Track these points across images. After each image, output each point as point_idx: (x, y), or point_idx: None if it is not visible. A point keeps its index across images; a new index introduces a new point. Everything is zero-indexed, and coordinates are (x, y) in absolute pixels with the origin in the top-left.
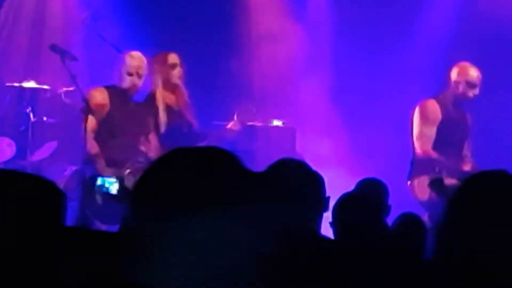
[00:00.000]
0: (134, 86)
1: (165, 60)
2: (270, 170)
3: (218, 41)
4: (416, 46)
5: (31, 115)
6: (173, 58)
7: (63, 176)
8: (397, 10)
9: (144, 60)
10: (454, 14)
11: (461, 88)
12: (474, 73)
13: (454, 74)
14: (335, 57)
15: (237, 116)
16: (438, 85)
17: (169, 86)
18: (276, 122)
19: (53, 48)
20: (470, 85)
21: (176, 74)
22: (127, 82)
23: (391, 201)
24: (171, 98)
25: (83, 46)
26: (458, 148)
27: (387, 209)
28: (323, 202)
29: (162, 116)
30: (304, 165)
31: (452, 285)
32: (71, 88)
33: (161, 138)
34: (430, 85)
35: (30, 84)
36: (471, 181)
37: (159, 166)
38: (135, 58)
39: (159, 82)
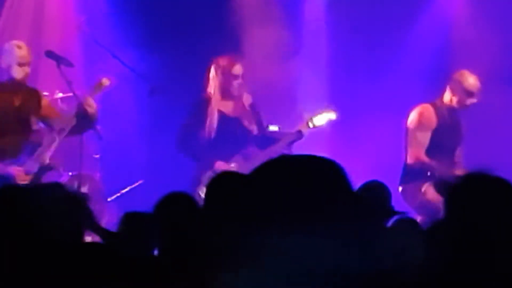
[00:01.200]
0: (26, 75)
1: (229, 69)
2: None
3: (213, 45)
4: (414, 50)
5: None
6: (237, 69)
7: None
8: (395, 14)
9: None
10: (451, 19)
11: (458, 96)
12: (473, 81)
13: (453, 81)
14: (332, 62)
15: (307, 119)
16: (435, 89)
17: (227, 94)
18: (272, 128)
19: (49, 54)
20: (468, 93)
21: (236, 85)
22: (19, 72)
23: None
24: (227, 105)
25: (80, 51)
26: (451, 155)
27: (390, 211)
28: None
29: (213, 122)
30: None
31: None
32: (68, 94)
33: (212, 143)
34: (427, 90)
35: None
36: (467, 180)
37: (261, 175)
38: (23, 48)
39: (217, 89)
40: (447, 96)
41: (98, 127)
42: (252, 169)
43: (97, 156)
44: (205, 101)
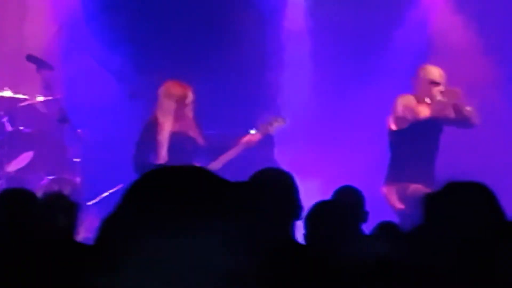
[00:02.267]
0: None
1: (183, 98)
2: (252, 179)
3: (193, 49)
4: (397, 53)
5: (8, 125)
6: (190, 97)
7: (40, 185)
8: (378, 18)
9: None
10: (434, 22)
11: (425, 88)
12: (436, 71)
13: (417, 76)
14: (315, 62)
15: (259, 126)
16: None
17: (178, 118)
18: (253, 131)
19: (29, 58)
20: (434, 83)
21: (188, 111)
22: None
23: (371, 207)
24: (175, 125)
25: (60, 55)
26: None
27: (363, 215)
28: (298, 211)
29: (164, 143)
30: (283, 173)
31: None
32: (48, 98)
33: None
34: (410, 92)
35: (7, 93)
36: (445, 190)
37: (137, 187)
38: None
39: (169, 116)
40: (417, 92)
41: (79, 131)
42: None
43: (78, 160)
44: (155, 122)
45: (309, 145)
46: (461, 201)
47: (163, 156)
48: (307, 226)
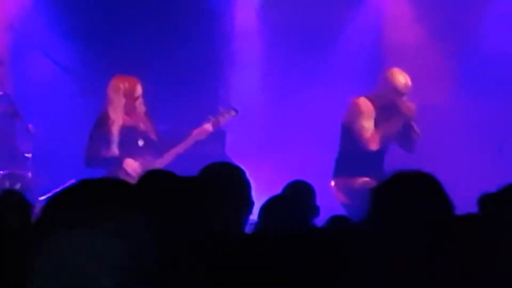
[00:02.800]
0: None
1: (131, 92)
2: (201, 174)
3: (144, 46)
4: (347, 50)
5: None
6: (139, 90)
7: None
8: (328, 14)
9: None
10: (384, 19)
11: (388, 93)
12: (402, 80)
13: (383, 79)
14: (266, 60)
15: (210, 118)
16: (369, 88)
17: (129, 112)
18: (207, 125)
19: None
20: (398, 93)
21: (138, 104)
22: None
23: (322, 202)
24: (126, 118)
25: (10, 50)
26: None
27: (314, 210)
28: (250, 206)
29: (117, 139)
30: (233, 168)
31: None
32: None
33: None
34: (361, 88)
35: None
36: (391, 181)
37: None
38: None
39: (119, 110)
40: (379, 93)
41: (30, 125)
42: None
43: (29, 155)
44: (106, 117)
45: (260, 140)
46: (407, 191)
47: (114, 150)
48: (258, 222)
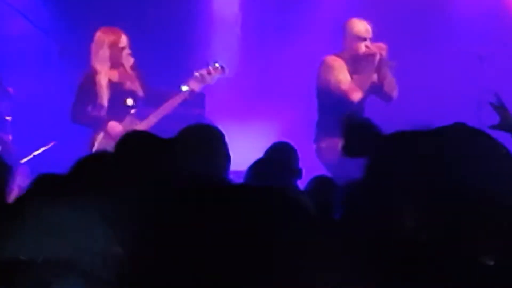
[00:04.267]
0: None
1: (117, 41)
2: (179, 135)
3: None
4: (325, 10)
5: None
6: (124, 40)
7: None
8: None
9: None
10: None
11: (353, 43)
12: (361, 25)
13: (345, 32)
14: (244, 22)
15: (198, 75)
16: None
17: (115, 65)
18: (185, 88)
19: None
20: (360, 38)
21: (126, 55)
22: None
23: (305, 164)
24: (112, 74)
25: None
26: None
27: (297, 172)
28: (228, 160)
29: (104, 93)
30: (210, 128)
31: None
32: None
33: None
34: (337, 48)
35: None
36: (389, 139)
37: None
38: None
39: (105, 63)
40: (345, 47)
41: (10, 88)
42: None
43: (9, 118)
44: (93, 73)
45: (239, 104)
46: (408, 151)
47: (100, 108)
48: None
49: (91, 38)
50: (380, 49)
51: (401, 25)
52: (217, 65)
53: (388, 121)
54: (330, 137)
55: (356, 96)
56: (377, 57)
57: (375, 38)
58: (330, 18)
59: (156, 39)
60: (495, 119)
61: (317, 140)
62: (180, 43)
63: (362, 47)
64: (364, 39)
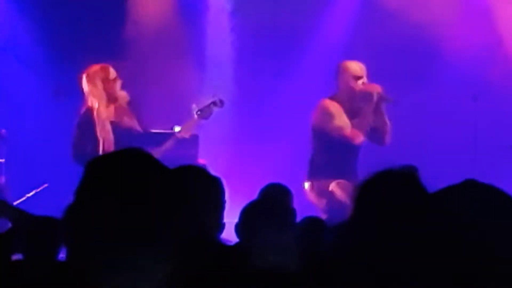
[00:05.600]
0: None
1: (107, 75)
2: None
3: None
4: (316, 51)
5: None
6: (113, 72)
7: None
8: (298, 17)
9: None
10: (352, 20)
11: (348, 84)
12: (355, 65)
13: (339, 74)
14: (237, 60)
15: (198, 111)
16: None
17: (110, 99)
18: (177, 128)
19: None
20: (355, 77)
21: (118, 87)
22: None
23: (296, 203)
24: (109, 111)
25: None
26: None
27: (292, 212)
28: (223, 207)
29: (108, 133)
30: (204, 171)
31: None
32: None
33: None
34: (331, 89)
35: None
36: (374, 180)
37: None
38: None
39: (101, 98)
40: (340, 88)
41: (3, 130)
42: None
43: (2, 160)
44: (90, 112)
45: (233, 143)
46: (390, 190)
47: (99, 146)
48: (237, 231)
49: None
50: (376, 89)
51: (394, 68)
52: (215, 99)
53: (383, 162)
54: (324, 178)
55: (359, 140)
56: (374, 96)
57: (369, 80)
58: (323, 59)
59: (149, 77)
60: (490, 158)
61: (308, 179)
62: (173, 81)
63: (359, 85)
64: (360, 77)
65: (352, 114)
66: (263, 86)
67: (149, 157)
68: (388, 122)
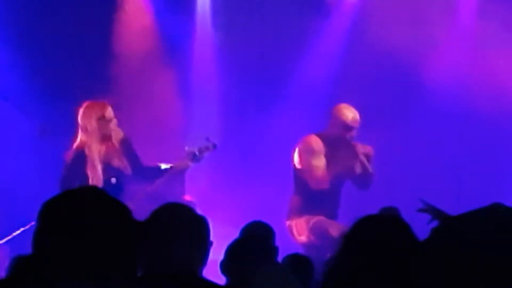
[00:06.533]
0: None
1: (103, 113)
2: (154, 214)
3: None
4: (302, 85)
5: None
6: (110, 112)
7: None
8: (283, 51)
9: None
10: (339, 54)
11: (338, 129)
12: (350, 114)
13: (331, 116)
14: (224, 95)
15: (192, 154)
16: (323, 123)
17: (104, 138)
18: (164, 166)
19: None
20: (347, 127)
21: (113, 127)
22: None
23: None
24: (101, 149)
25: None
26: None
27: (274, 250)
28: (208, 246)
29: (98, 172)
30: (189, 209)
31: None
32: None
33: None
34: (316, 123)
35: None
36: (362, 223)
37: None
38: None
39: (94, 137)
40: (329, 129)
41: None
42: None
43: None
44: (81, 148)
45: (216, 179)
46: (376, 235)
47: (97, 182)
48: (222, 269)
49: (73, 116)
50: (367, 150)
51: (380, 104)
52: (209, 144)
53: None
54: (302, 215)
55: (323, 186)
56: (360, 157)
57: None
58: (310, 95)
59: (134, 113)
60: (475, 197)
61: (289, 216)
62: (159, 117)
63: (347, 135)
64: (351, 129)
65: (332, 155)
66: (250, 121)
67: (105, 195)
68: (373, 172)
